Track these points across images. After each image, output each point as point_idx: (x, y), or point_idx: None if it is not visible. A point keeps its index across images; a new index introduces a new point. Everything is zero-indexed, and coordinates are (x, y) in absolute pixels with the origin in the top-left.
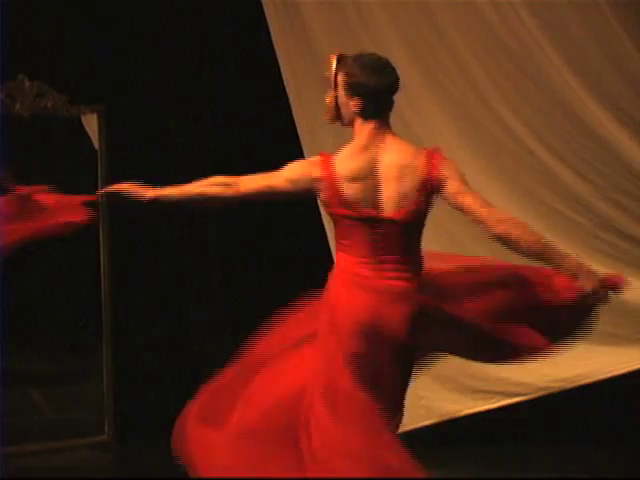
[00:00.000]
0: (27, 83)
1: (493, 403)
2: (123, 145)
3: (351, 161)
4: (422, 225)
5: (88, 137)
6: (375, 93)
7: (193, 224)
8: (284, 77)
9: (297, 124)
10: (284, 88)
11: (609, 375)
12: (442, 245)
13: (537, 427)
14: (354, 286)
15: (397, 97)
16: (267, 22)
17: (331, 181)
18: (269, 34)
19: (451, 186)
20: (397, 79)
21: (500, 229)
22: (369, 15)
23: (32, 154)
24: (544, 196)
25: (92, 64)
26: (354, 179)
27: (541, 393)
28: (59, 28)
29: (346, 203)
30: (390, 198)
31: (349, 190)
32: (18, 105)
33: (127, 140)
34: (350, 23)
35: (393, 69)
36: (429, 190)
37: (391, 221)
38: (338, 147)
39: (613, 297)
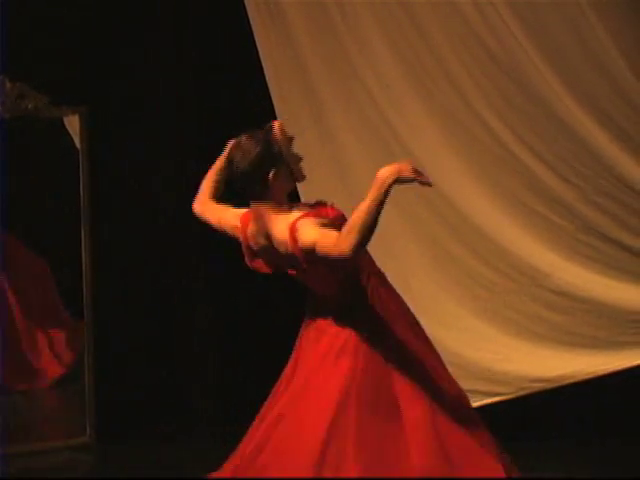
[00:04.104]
0: (8, 84)
1: (474, 402)
2: (105, 146)
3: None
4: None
5: (70, 139)
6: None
7: (178, 226)
8: (267, 77)
9: None
10: (267, 87)
11: (590, 376)
12: (425, 246)
13: (526, 426)
14: None
15: (381, 98)
16: (249, 22)
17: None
18: (252, 33)
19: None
20: (235, 172)
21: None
22: (352, 16)
23: (13, 156)
24: (526, 198)
25: (74, 65)
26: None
27: (522, 393)
28: (41, 29)
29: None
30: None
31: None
32: None
33: (109, 141)
34: (333, 23)
35: (234, 165)
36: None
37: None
38: (322, 146)
39: (593, 300)
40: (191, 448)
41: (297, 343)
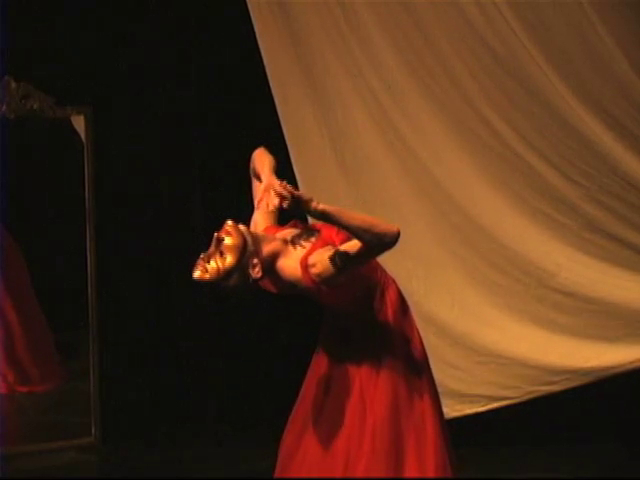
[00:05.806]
0: (13, 84)
1: (481, 406)
2: (111, 147)
3: None
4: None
5: (74, 139)
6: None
7: (179, 225)
8: (269, 77)
9: (283, 125)
10: (269, 88)
11: (597, 378)
12: (430, 247)
13: (527, 428)
14: None
15: (384, 99)
16: (252, 21)
17: None
18: (254, 33)
19: None
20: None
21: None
22: (355, 16)
23: (18, 156)
24: (530, 197)
25: (79, 65)
26: None
27: (529, 397)
28: (45, 29)
29: None
30: None
31: None
32: (4, 107)
33: (115, 142)
34: (337, 24)
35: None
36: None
37: None
38: (325, 146)
39: (600, 300)
40: (192, 448)
41: (317, 358)
